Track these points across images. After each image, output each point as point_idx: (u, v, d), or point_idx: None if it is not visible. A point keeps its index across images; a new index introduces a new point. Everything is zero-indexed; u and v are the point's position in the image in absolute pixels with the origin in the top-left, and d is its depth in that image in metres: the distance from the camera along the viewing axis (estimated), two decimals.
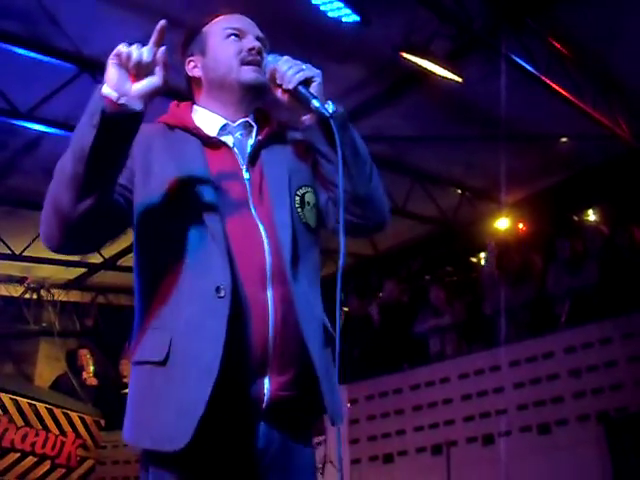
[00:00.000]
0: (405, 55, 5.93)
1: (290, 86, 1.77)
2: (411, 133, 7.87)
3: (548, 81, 6.37)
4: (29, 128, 6.81)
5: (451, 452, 6.66)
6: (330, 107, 1.77)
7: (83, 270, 10.46)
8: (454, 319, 8.44)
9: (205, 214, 1.73)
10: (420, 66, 6.11)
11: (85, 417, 9.18)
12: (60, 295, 10.89)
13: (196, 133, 1.85)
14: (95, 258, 9.88)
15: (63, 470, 8.68)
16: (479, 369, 7.32)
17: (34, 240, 9.05)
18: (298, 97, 1.77)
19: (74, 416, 9.03)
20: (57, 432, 8.71)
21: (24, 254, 9.31)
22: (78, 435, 8.98)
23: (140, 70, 1.59)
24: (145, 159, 1.78)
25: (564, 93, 6.55)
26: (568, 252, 7.56)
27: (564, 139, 8.01)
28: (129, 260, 9.44)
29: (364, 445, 7.64)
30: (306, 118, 1.84)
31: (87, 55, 6.36)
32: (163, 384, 1.67)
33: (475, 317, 8.42)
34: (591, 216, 8.76)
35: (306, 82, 1.78)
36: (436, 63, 6.11)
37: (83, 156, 1.57)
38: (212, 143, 1.85)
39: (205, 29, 1.91)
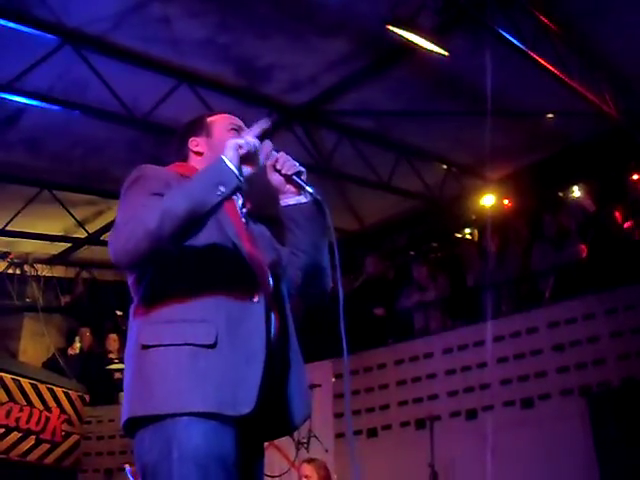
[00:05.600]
0: (391, 28, 5.87)
1: (289, 172, 2.39)
2: (397, 108, 7.82)
3: (535, 56, 6.32)
4: (10, 100, 6.72)
5: (435, 426, 6.70)
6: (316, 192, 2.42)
7: (67, 245, 10.39)
8: (438, 294, 8.46)
9: (234, 240, 2.27)
10: (406, 39, 6.05)
11: (70, 392, 9.18)
12: (44, 270, 10.81)
13: None
14: (79, 233, 9.82)
15: (48, 445, 8.69)
16: (463, 344, 7.36)
17: (17, 214, 8.98)
18: (293, 181, 2.41)
19: (59, 391, 9.03)
20: (41, 407, 8.71)
21: (7, 228, 9.23)
22: (63, 410, 8.99)
23: (249, 158, 2.21)
24: None
25: (551, 68, 6.50)
26: (554, 228, 7.58)
27: (550, 115, 7.99)
28: None
29: (347, 420, 7.66)
30: (285, 200, 2.45)
31: (69, 27, 6.28)
32: (214, 362, 2.08)
33: (459, 293, 8.45)
34: (576, 193, 8.76)
35: (298, 173, 2.40)
36: (422, 36, 6.05)
37: (203, 210, 2.08)
38: None
39: (209, 119, 2.55)
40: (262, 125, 2.31)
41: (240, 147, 2.17)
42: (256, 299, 2.21)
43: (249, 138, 2.21)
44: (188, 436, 2.02)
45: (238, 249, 2.27)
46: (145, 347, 2.12)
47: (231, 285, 2.20)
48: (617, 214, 7.28)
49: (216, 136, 2.52)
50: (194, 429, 2.02)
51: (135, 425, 2.11)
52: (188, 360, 2.08)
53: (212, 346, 2.10)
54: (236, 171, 2.14)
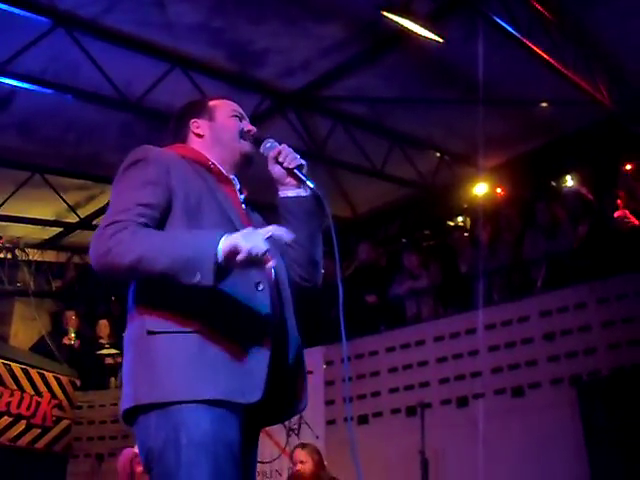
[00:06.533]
0: (386, 14, 5.85)
1: (291, 165, 2.40)
2: (391, 95, 7.80)
3: (530, 44, 6.31)
4: (1, 83, 6.66)
5: (425, 414, 6.71)
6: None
7: (59, 230, 10.35)
8: (430, 282, 8.47)
9: (238, 228, 2.19)
10: (401, 26, 6.03)
11: (60, 377, 9.16)
12: (35, 255, 10.77)
13: (212, 169, 2.38)
14: (71, 218, 9.78)
15: (38, 430, 8.68)
16: (455, 332, 7.37)
17: (8, 198, 8.93)
18: (294, 175, 2.42)
19: (49, 376, 9.01)
20: (32, 392, 8.69)
21: None
22: (54, 395, 8.97)
23: (248, 261, 2.01)
24: (181, 179, 2.23)
25: (545, 57, 6.49)
26: (547, 217, 7.58)
27: (544, 104, 7.98)
28: None
29: (339, 406, 7.69)
30: (284, 191, 2.46)
31: (61, 9, 6.23)
32: (222, 349, 2.07)
33: (451, 280, 8.46)
34: (569, 182, 8.76)
35: (300, 166, 2.41)
36: (417, 23, 6.03)
37: (172, 280, 2.01)
38: (223, 178, 2.40)
39: (212, 103, 2.53)
40: (283, 236, 2.09)
41: (237, 251, 1.97)
42: (261, 287, 2.20)
43: (259, 242, 1.99)
44: (197, 422, 2.01)
45: None
46: (151, 333, 2.10)
47: (236, 273, 2.13)
48: (619, 202, 7.24)
49: (219, 120, 2.50)
50: (202, 415, 2.02)
51: (136, 411, 2.08)
52: (196, 348, 2.06)
53: (219, 333, 2.09)
54: (215, 277, 1.98)
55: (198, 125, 2.48)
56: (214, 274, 1.97)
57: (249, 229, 2.05)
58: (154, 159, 2.24)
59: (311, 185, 2.41)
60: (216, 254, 1.97)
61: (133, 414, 2.10)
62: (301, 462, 5.52)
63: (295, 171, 2.42)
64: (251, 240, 1.97)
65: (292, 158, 2.42)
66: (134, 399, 2.08)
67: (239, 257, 1.96)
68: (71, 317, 10.40)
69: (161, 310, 2.12)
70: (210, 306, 2.11)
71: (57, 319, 10.99)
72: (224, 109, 2.53)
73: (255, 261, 2.00)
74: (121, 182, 2.22)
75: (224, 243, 1.97)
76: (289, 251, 2.44)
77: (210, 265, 1.96)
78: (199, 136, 2.47)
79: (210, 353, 2.06)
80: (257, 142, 2.50)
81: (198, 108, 2.53)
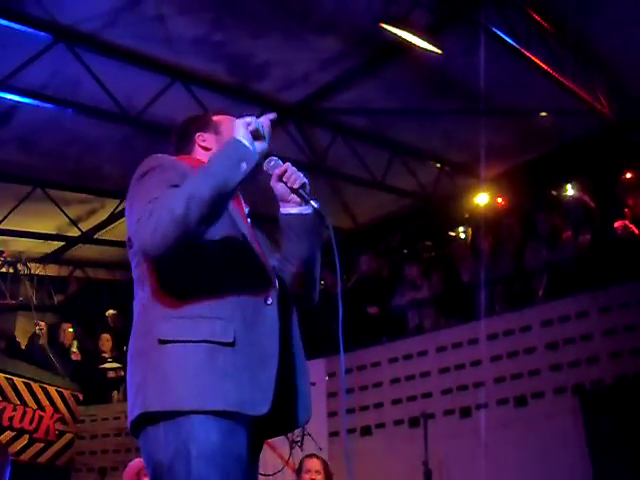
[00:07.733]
0: (385, 26, 5.88)
1: (295, 186, 2.41)
2: (391, 106, 7.83)
3: (529, 54, 6.34)
4: (2, 98, 6.70)
5: (428, 424, 6.70)
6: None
7: (60, 244, 10.35)
8: (432, 293, 8.46)
9: (248, 239, 2.29)
10: (400, 38, 6.06)
11: (63, 391, 9.15)
12: (37, 269, 10.77)
13: None
14: (73, 231, 9.78)
15: (41, 444, 8.66)
16: (457, 342, 7.36)
17: (10, 213, 8.95)
18: (298, 194, 2.43)
19: (52, 390, 9.00)
20: (35, 406, 8.68)
21: (0, 227, 9.19)
22: (56, 409, 8.96)
23: (258, 135, 2.25)
24: None
25: (544, 67, 6.52)
26: (548, 227, 7.59)
27: (544, 114, 8.00)
28: (107, 234, 9.36)
29: (342, 418, 7.67)
30: (287, 208, 2.47)
31: (62, 24, 6.26)
32: (232, 360, 2.08)
33: (453, 291, 8.45)
34: (570, 191, 8.78)
35: (303, 185, 2.42)
36: (416, 35, 6.06)
37: (227, 189, 2.10)
38: None
39: (216, 118, 2.55)
40: (270, 116, 2.33)
41: (249, 124, 2.21)
42: (269, 300, 2.23)
43: (251, 118, 2.24)
44: (206, 435, 2.01)
45: (252, 249, 2.29)
46: (162, 342, 2.09)
47: (246, 285, 2.20)
48: (627, 211, 7.23)
49: (225, 135, 2.48)
50: (212, 428, 2.02)
51: (144, 422, 2.07)
52: (207, 357, 2.07)
53: (230, 344, 2.10)
54: (252, 147, 2.19)
55: (204, 139, 2.51)
56: (253, 151, 2.18)
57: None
58: (171, 166, 2.26)
59: (315, 205, 2.41)
60: (241, 140, 2.18)
61: (141, 425, 2.09)
62: (317, 472, 5.51)
63: (300, 191, 2.43)
64: (246, 120, 2.23)
65: (295, 178, 2.42)
66: (143, 406, 2.06)
67: (251, 127, 2.21)
68: (67, 329, 10.39)
69: (171, 319, 2.12)
70: (221, 316, 2.12)
71: (54, 331, 10.96)
72: (228, 125, 2.51)
73: (261, 129, 2.25)
74: (140, 187, 2.22)
75: (239, 133, 2.20)
76: (288, 267, 2.44)
77: (245, 148, 2.17)
78: (206, 149, 2.49)
79: (220, 363, 2.07)
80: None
81: (202, 122, 2.56)
